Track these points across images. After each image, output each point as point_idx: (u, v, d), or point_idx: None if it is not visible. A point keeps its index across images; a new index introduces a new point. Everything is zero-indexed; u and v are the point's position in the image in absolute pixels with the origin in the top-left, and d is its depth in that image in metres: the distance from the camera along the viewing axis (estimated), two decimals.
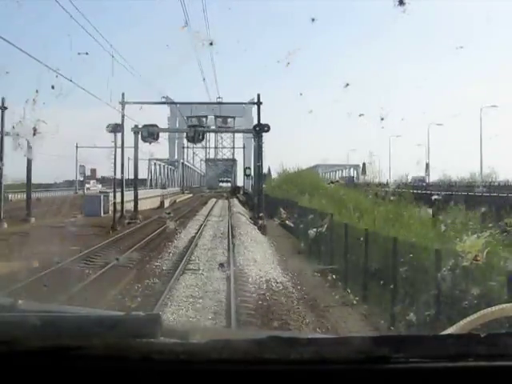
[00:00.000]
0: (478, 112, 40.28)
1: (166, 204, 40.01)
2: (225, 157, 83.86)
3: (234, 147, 76.39)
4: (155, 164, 58.33)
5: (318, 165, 56.48)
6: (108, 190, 47.58)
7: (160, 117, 59.24)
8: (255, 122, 68.66)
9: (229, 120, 69.05)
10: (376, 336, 1.21)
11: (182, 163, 67.59)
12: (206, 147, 78.68)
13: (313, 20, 11.32)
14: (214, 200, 49.85)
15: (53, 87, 13.77)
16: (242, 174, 70.86)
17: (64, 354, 1.15)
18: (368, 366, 1.13)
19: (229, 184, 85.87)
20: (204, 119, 71.60)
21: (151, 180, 56.52)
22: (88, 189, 50.00)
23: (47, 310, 1.67)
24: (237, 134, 72.97)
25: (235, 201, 49.18)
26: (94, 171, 61.12)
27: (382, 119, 15.98)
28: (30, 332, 1.21)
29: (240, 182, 71.12)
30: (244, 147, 56.68)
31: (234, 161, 78.30)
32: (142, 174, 56.92)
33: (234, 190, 62.29)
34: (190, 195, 58.87)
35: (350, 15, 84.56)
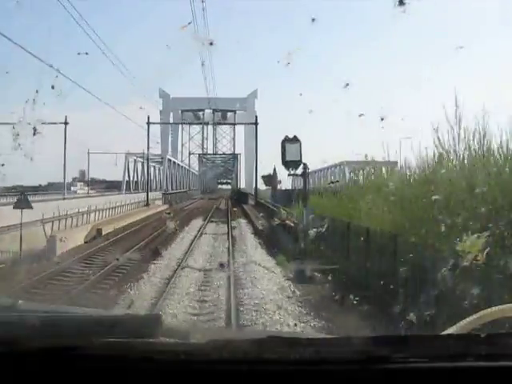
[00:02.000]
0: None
1: (77, 241, 18.52)
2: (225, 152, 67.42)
3: (235, 122, 61.77)
4: (135, 161, 45.85)
5: (344, 162, 51.77)
6: (96, 194, 39.38)
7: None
8: (261, 109, 52.77)
9: (228, 114, 62.33)
10: (376, 336, 1.21)
11: (144, 158, 45.45)
12: (202, 124, 63.29)
13: (313, 20, 11.33)
14: (197, 226, 24.11)
15: (53, 87, 13.77)
16: (245, 174, 58.39)
17: (64, 354, 1.15)
18: (368, 366, 1.13)
19: (229, 186, 72.00)
20: (201, 113, 62.32)
21: (129, 182, 44.29)
22: (75, 192, 43.65)
23: (47, 310, 1.67)
24: (238, 129, 62.69)
25: (247, 232, 22.90)
26: (82, 173, 52.64)
27: (382, 119, 15.94)
28: (30, 332, 1.22)
29: (243, 184, 58.67)
30: (257, 122, 43.90)
31: (235, 156, 64.04)
32: (115, 175, 46.46)
33: (239, 197, 46.26)
34: (162, 208, 34.93)
35: (350, 15, 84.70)
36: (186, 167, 65.33)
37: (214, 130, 65.94)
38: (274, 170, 49.67)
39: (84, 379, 1.14)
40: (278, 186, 58.44)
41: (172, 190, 51.53)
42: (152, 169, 49.36)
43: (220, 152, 68.95)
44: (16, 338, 1.18)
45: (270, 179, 50.65)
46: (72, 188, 47.31)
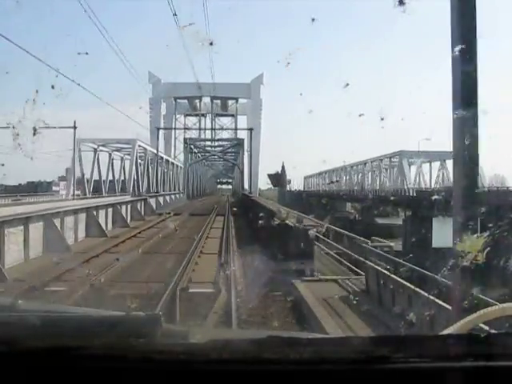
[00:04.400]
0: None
1: None
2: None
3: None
4: (96, 150, 33.01)
5: (402, 151, 41.07)
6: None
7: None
8: (264, 103, 43.61)
9: (230, 102, 50.39)
10: (376, 336, 1.21)
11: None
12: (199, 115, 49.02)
13: (313, 20, 11.29)
14: None
15: (53, 87, 13.76)
16: (248, 173, 41.30)
17: (64, 354, 1.15)
18: (368, 366, 1.13)
19: (230, 187, 58.17)
20: (197, 102, 49.58)
21: (86, 181, 32.04)
22: (57, 192, 36.18)
23: (47, 310, 1.67)
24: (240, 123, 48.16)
25: None
26: (70, 171, 43.73)
27: (382, 119, 15.89)
28: (30, 332, 1.22)
29: (252, 183, 43.30)
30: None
31: (239, 142, 46.64)
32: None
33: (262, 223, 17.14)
34: None
35: (350, 15, 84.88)
36: (172, 161, 47.34)
37: (213, 119, 51.44)
38: (283, 167, 40.14)
39: (84, 379, 1.14)
40: (288, 187, 50.63)
41: (143, 191, 35.19)
42: (126, 162, 35.90)
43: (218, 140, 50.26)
44: (16, 338, 1.18)
45: (278, 178, 43.78)
46: (54, 188, 40.38)
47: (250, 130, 42.64)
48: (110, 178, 36.09)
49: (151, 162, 39.75)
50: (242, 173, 45.95)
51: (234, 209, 30.01)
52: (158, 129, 41.62)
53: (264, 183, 46.98)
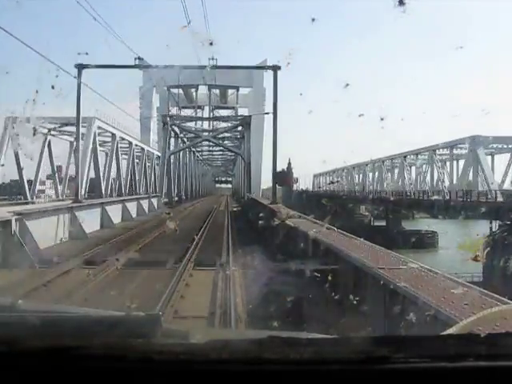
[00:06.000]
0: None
1: None
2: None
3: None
4: (46, 135, 23.67)
5: (476, 136, 30.46)
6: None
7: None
8: (268, 94, 32.21)
9: (230, 92, 43.57)
10: (376, 336, 1.21)
11: None
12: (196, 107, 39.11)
13: (313, 20, 11.30)
14: None
15: (53, 87, 13.74)
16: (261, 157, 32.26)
17: (64, 354, 1.15)
18: (368, 366, 1.13)
19: (229, 186, 51.96)
20: (193, 90, 42.71)
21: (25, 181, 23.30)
22: (42, 192, 28.65)
23: (47, 310, 1.67)
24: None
25: None
26: (58, 168, 40.07)
27: (382, 119, 15.85)
28: (30, 332, 1.22)
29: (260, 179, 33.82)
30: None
31: (244, 120, 36.49)
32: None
33: None
34: None
35: (350, 15, 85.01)
36: (138, 144, 34.33)
37: (211, 110, 42.41)
38: (289, 164, 33.44)
39: (84, 379, 1.14)
40: (294, 186, 47.63)
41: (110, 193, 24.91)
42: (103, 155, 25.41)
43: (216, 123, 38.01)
44: (16, 338, 1.18)
45: (284, 177, 39.38)
46: (40, 187, 35.22)
47: (275, 68, 27.36)
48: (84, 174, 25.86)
49: (126, 153, 29.69)
50: (248, 165, 33.58)
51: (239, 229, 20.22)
52: (79, 67, 23.25)
53: (264, 182, 43.59)
